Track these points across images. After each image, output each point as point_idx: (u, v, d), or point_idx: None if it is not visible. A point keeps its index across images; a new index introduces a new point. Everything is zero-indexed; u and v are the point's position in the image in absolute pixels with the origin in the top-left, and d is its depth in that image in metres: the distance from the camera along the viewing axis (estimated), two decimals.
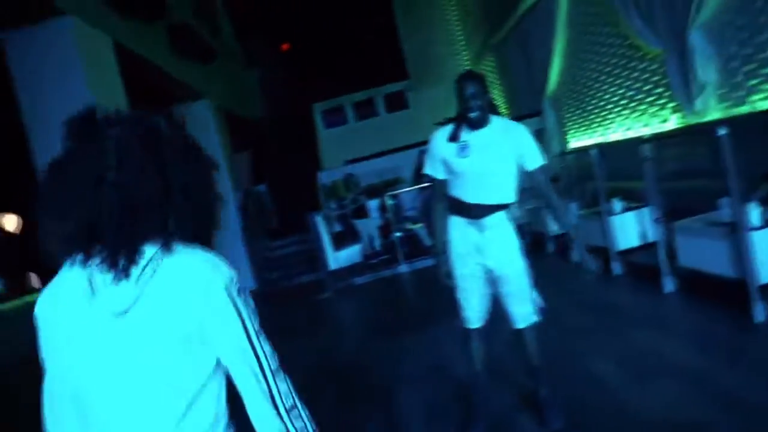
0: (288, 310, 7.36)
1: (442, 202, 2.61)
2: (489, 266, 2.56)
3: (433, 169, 2.59)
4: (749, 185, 4.01)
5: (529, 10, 9.42)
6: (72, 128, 1.00)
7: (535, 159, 2.47)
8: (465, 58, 14.45)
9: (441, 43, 14.80)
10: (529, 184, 2.56)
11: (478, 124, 2.45)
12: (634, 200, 5.38)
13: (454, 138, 2.49)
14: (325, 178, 10.46)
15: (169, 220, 0.99)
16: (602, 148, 7.13)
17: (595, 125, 8.34)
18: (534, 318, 2.62)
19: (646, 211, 4.87)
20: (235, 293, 1.00)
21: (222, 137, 9.80)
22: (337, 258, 8.00)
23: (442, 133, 2.55)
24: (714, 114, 5.52)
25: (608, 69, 7.55)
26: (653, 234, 4.37)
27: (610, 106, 7.72)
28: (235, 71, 12.23)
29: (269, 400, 1.01)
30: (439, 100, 14.08)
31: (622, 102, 7.36)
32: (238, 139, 10.94)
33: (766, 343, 3.00)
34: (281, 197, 11.50)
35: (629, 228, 4.97)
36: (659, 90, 6.49)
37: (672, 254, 4.04)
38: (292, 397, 1.04)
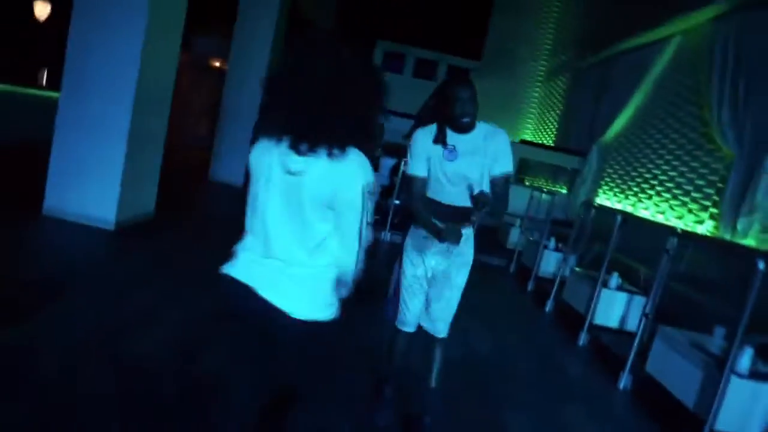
0: None
1: (422, 201, 2.48)
2: (440, 268, 2.53)
3: (417, 168, 2.46)
4: (752, 326, 3.78)
5: (624, 53, 8.93)
6: (295, 47, 1.54)
7: (504, 165, 2.42)
8: (540, 66, 13.88)
9: (526, 41, 14.16)
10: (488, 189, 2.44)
11: (466, 129, 2.39)
12: (632, 282, 5.15)
13: (439, 141, 2.41)
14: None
15: (343, 129, 1.49)
16: (628, 217, 6.84)
17: (631, 192, 8.02)
18: (447, 333, 2.63)
19: (638, 300, 4.64)
20: (368, 192, 1.56)
21: (276, 33, 9.31)
22: None
23: (425, 133, 2.45)
24: (750, 240, 5.23)
25: (671, 145, 7.18)
26: (634, 325, 4.16)
27: (654, 182, 7.39)
28: None
29: (356, 262, 1.64)
30: (499, 95, 13.60)
31: (668, 184, 7.04)
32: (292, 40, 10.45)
33: None
34: None
35: (615, 307, 4.74)
36: (709, 190, 6.17)
37: (643, 354, 3.83)
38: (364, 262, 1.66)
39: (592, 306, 4.62)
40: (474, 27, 14.15)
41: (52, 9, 10.62)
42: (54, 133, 4.96)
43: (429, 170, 2.43)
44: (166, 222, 5.68)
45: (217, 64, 13.68)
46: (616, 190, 8.43)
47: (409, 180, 2.48)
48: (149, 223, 5.52)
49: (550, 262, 6.41)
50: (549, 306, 5.57)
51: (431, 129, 2.43)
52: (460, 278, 2.54)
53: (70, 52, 4.90)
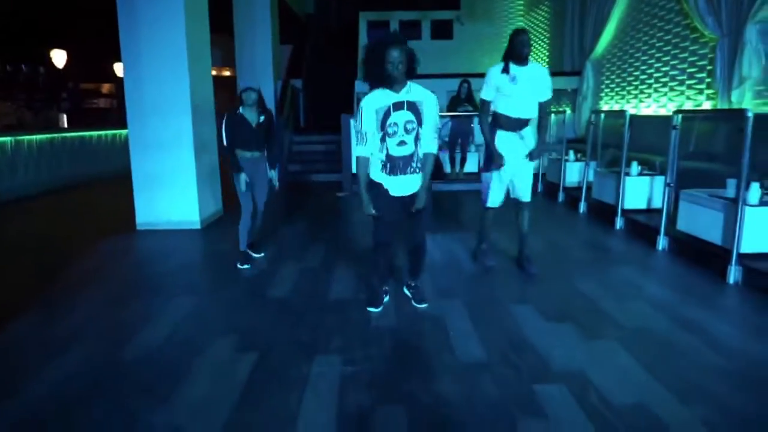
0: (306, 198, 7.92)
1: (487, 115, 3.93)
2: (518, 161, 3.90)
3: (488, 94, 3.87)
4: (760, 176, 4.48)
5: None
6: (381, 42, 2.83)
7: (548, 93, 3.85)
8: (519, 1, 14.30)
9: None
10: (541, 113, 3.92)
11: (523, 63, 3.74)
12: (650, 169, 5.84)
13: (505, 71, 3.76)
14: (361, 87, 10.73)
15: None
16: (633, 118, 7.50)
17: (630, 96, 8.63)
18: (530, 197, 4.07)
19: (659, 179, 5.35)
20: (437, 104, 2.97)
21: (273, 24, 9.94)
22: None
23: (496, 68, 3.81)
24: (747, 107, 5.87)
25: (659, 44, 7.75)
26: (659, 201, 4.88)
27: (650, 81, 8.00)
28: None
29: (435, 143, 2.99)
30: (483, 36, 14.09)
31: (663, 79, 7.64)
32: (284, 31, 11.08)
33: (730, 294, 3.59)
34: (314, 96, 11.77)
35: (640, 191, 5.47)
36: (702, 75, 6.80)
37: (672, 220, 4.56)
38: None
39: (621, 194, 5.35)
40: None
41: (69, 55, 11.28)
42: (130, 159, 5.71)
43: (499, 93, 3.79)
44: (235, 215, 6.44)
45: (228, 73, 14.24)
46: (617, 97, 9.05)
47: (485, 102, 3.89)
48: (223, 217, 6.29)
49: (573, 173, 7.13)
50: (582, 207, 6.31)
51: (500, 65, 3.79)
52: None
53: (127, 88, 5.60)
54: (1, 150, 7.55)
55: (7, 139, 7.72)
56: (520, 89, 3.74)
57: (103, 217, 6.55)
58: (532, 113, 3.87)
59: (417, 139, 2.93)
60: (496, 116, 3.91)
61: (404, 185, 3.01)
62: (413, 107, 2.88)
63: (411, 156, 2.95)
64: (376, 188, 3.01)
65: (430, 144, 2.96)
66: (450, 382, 2.42)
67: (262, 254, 4.63)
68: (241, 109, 4.15)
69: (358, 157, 2.99)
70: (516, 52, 3.71)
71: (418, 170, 2.99)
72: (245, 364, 2.60)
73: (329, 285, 3.83)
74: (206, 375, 2.53)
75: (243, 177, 4.15)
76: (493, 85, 3.80)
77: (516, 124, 3.85)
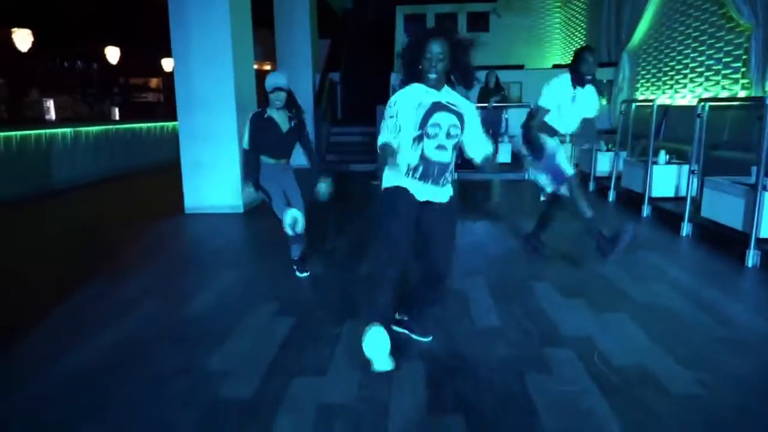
0: (343, 186, 8.24)
1: (539, 123, 3.83)
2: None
3: (549, 104, 3.79)
4: None
5: None
6: (423, 34, 2.44)
7: (594, 111, 3.93)
8: None
9: None
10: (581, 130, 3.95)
11: (584, 85, 3.79)
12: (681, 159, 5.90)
13: (573, 86, 3.79)
14: (396, 79, 10.97)
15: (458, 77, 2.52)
16: (664, 107, 7.49)
17: (666, 86, 8.60)
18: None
19: (685, 168, 5.41)
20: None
21: (312, 19, 10.29)
22: None
23: (563, 82, 3.79)
24: None
25: (695, 34, 7.72)
26: (685, 189, 4.96)
27: (686, 71, 7.97)
28: None
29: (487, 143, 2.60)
30: (519, 29, 14.11)
31: (699, 69, 7.61)
32: (322, 26, 11.41)
33: (747, 277, 3.70)
34: (351, 89, 12.08)
35: (667, 179, 5.55)
36: (737, 64, 6.77)
37: (696, 207, 4.66)
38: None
39: (648, 182, 5.45)
40: None
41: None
42: (180, 149, 6.15)
43: (558, 106, 3.79)
44: None
45: (268, 67, 14.71)
46: (652, 88, 9.02)
47: (541, 109, 3.83)
48: (263, 203, 6.65)
49: (604, 163, 7.21)
50: (611, 196, 6.41)
51: (566, 79, 3.78)
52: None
53: (177, 84, 6.03)
54: (62, 140, 8.14)
55: (68, 130, 8.31)
56: (576, 109, 3.79)
57: (155, 202, 7.04)
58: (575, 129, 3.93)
59: (454, 149, 2.49)
60: (547, 127, 3.87)
61: (431, 192, 2.49)
62: (457, 112, 2.44)
63: (447, 165, 2.48)
64: (395, 194, 2.47)
65: (487, 145, 2.58)
66: (467, 343, 2.68)
67: (308, 273, 3.87)
68: (269, 111, 3.64)
69: (383, 144, 2.41)
70: (581, 76, 3.70)
71: (449, 183, 2.54)
72: (284, 325, 2.92)
73: (360, 262, 4.13)
74: (250, 333, 2.86)
75: (251, 189, 3.70)
76: (556, 100, 3.75)
77: (557, 136, 3.94)
